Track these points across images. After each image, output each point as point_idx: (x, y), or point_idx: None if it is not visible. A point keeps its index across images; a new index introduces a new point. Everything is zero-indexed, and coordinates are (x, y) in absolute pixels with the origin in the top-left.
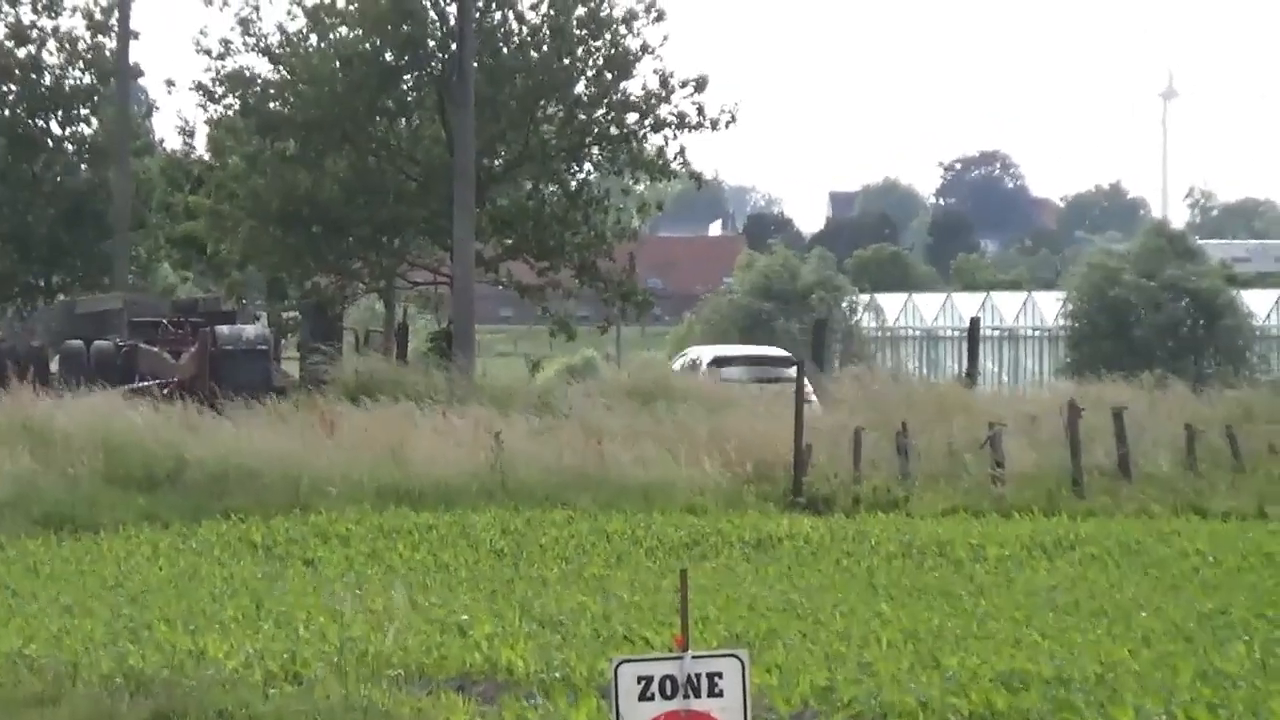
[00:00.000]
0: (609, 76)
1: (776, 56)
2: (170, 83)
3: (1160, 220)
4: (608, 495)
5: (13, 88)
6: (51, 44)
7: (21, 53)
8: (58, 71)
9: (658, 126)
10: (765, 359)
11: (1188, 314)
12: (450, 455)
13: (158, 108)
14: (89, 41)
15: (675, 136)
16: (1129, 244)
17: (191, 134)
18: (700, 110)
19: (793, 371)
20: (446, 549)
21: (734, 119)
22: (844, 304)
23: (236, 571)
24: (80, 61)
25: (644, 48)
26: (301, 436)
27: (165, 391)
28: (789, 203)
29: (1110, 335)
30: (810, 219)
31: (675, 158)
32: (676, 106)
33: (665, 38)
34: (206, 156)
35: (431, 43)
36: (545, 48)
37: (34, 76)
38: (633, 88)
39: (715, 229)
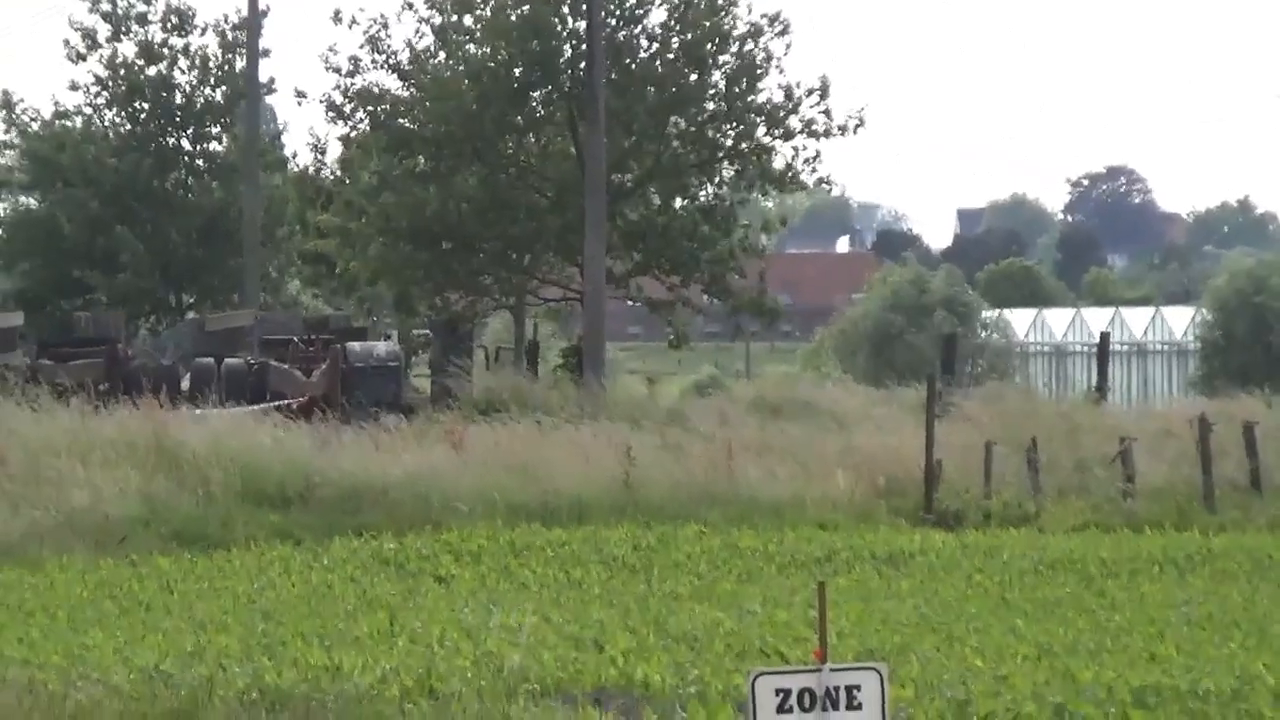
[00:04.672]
0: (736, 90)
1: (903, 73)
2: (301, 94)
3: None
4: (738, 510)
5: (144, 106)
6: (182, 62)
7: (152, 71)
8: (189, 89)
9: (787, 136)
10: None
11: None
12: (581, 471)
13: (286, 128)
14: (219, 59)
15: (804, 148)
16: (1269, 254)
17: (324, 150)
18: (828, 114)
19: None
20: (579, 565)
21: (862, 123)
22: (975, 320)
23: (369, 588)
24: (211, 79)
25: (768, 57)
26: (432, 453)
27: (296, 409)
28: (916, 219)
29: (1247, 345)
30: (938, 235)
31: (805, 164)
32: (804, 116)
33: (789, 46)
34: (337, 173)
35: (561, 59)
36: (674, 62)
37: (164, 95)
38: (759, 100)
39: (843, 245)
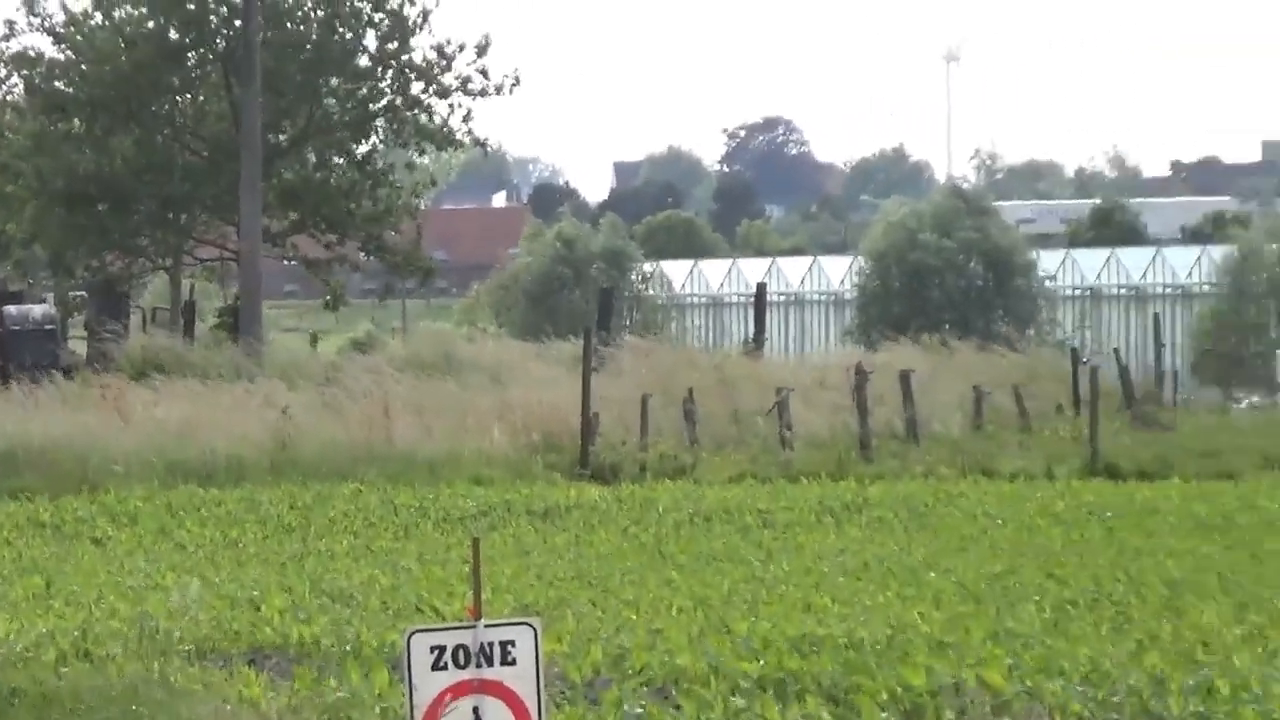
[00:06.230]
0: (390, 47)
1: (556, 26)
2: None
3: (955, 181)
4: (395, 468)
5: None
6: None
7: None
8: None
9: (442, 93)
10: None
11: (980, 275)
12: (238, 431)
13: None
14: None
15: (459, 105)
16: (923, 204)
17: None
18: (484, 73)
19: None
20: (235, 525)
21: (518, 82)
22: (632, 273)
23: (25, 551)
24: None
25: (423, 15)
26: (89, 415)
27: None
28: (573, 173)
29: (904, 296)
30: (595, 189)
31: (461, 124)
32: (459, 73)
33: (438, 1)
34: None
35: (215, 20)
36: (326, 20)
37: None
38: (415, 58)
39: (499, 200)
